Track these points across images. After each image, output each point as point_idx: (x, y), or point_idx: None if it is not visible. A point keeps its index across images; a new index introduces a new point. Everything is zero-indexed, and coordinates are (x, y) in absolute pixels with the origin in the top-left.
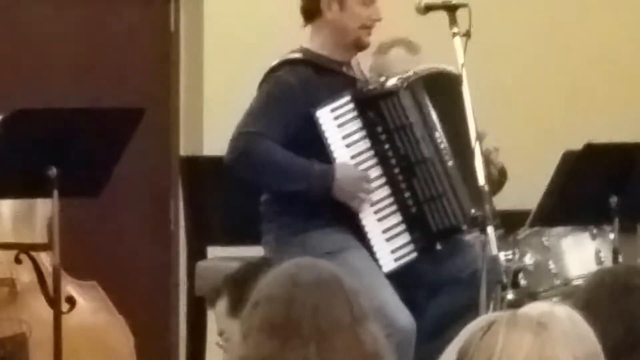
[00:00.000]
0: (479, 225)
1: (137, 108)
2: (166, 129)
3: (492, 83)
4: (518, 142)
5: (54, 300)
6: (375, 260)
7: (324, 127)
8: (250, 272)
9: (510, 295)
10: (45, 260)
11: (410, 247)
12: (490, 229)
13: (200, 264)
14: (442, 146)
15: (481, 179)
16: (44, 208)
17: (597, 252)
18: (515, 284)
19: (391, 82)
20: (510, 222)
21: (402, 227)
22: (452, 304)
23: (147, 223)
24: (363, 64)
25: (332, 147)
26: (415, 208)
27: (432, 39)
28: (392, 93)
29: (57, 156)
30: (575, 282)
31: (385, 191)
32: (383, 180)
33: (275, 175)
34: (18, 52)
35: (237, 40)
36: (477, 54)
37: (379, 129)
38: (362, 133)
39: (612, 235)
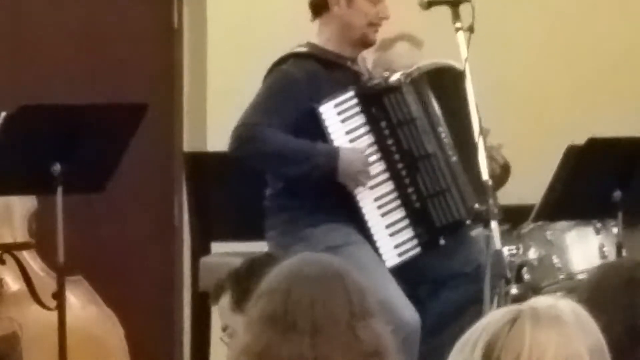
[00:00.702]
0: (483, 220)
1: (141, 104)
2: (170, 125)
3: (495, 78)
4: (521, 137)
5: (56, 297)
6: (379, 255)
7: (327, 122)
8: (253, 268)
9: (514, 290)
10: (29, 258)
11: (414, 242)
12: (494, 224)
13: (204, 260)
14: (445, 141)
15: (485, 174)
16: (22, 206)
17: (601, 247)
18: (519, 279)
19: (395, 77)
20: (514, 217)
21: (406, 222)
22: (456, 298)
23: (151, 219)
24: (368, 60)
25: (336, 143)
26: (419, 203)
27: (435, 34)
28: (396, 88)
29: (61, 152)
30: (579, 277)
31: (389, 186)
32: (387, 175)
33: (278, 158)
34: (20, 49)
35: (240, 37)
36: (481, 48)
37: (383, 124)
38: (366, 128)
39: (615, 230)
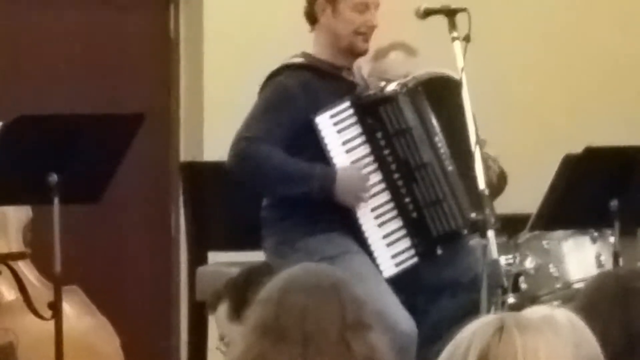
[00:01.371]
0: (480, 229)
1: (138, 114)
2: (166, 134)
3: (492, 87)
4: (518, 146)
5: (52, 307)
6: (376, 265)
7: (323, 133)
8: (251, 277)
9: (511, 299)
10: (24, 268)
11: (411, 252)
12: (490, 233)
13: (201, 270)
14: (441, 151)
15: (481, 184)
16: (17, 216)
17: (598, 256)
18: (516, 288)
19: (390, 87)
20: (510, 226)
21: (403, 232)
22: (453, 308)
23: (148, 228)
24: (363, 69)
25: (332, 153)
26: (416, 213)
27: (432, 44)
28: (392, 98)
29: (57, 162)
30: (576, 286)
31: (386, 196)
32: (383, 185)
33: (276, 179)
34: (17, 58)
35: (237, 46)
36: (477, 58)
37: (379, 134)
38: (362, 139)
39: (612, 239)
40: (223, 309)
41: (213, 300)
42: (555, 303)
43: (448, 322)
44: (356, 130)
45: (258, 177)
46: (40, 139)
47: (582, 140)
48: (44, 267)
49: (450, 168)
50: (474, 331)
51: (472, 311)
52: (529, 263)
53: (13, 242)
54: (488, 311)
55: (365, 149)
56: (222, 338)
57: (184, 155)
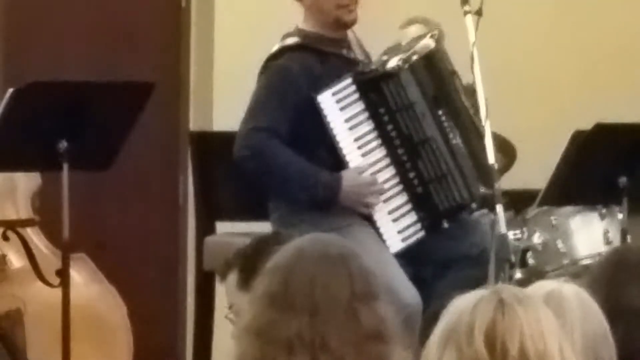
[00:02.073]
0: (487, 203)
1: (148, 82)
2: (176, 103)
3: (503, 62)
4: (528, 121)
5: (60, 274)
6: (383, 241)
7: (326, 111)
8: (261, 246)
9: (518, 274)
10: (33, 235)
11: (417, 226)
12: (499, 208)
13: (209, 239)
14: (445, 125)
15: (490, 157)
16: (26, 183)
17: (606, 232)
18: (523, 263)
19: (392, 63)
20: (519, 201)
21: (408, 207)
22: (461, 281)
23: (156, 198)
24: (366, 42)
25: (335, 131)
26: (421, 188)
27: (444, 18)
28: (394, 74)
29: (67, 129)
30: (583, 262)
31: (390, 172)
32: (387, 161)
33: (281, 182)
34: (28, 26)
35: (248, 15)
36: (489, 32)
37: (382, 110)
38: (365, 115)
39: (620, 216)
40: (233, 277)
41: (223, 269)
42: (563, 279)
43: (456, 295)
44: (359, 106)
45: (264, 176)
46: (50, 105)
47: (592, 116)
48: (52, 235)
49: (454, 142)
50: (473, 308)
51: (479, 285)
52: (537, 238)
53: (22, 209)
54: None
55: (368, 125)
56: (231, 307)
57: (193, 125)
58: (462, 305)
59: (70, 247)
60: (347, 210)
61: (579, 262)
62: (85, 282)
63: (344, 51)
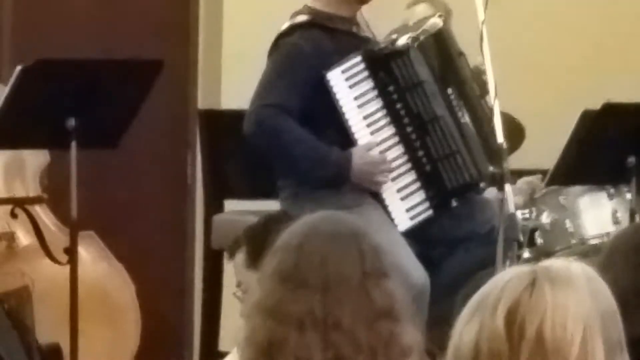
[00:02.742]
0: (495, 182)
1: (156, 60)
2: (184, 82)
3: (511, 41)
4: (537, 101)
5: (68, 252)
6: (391, 219)
7: (335, 89)
8: (269, 224)
9: (526, 254)
10: (41, 213)
11: (426, 205)
12: (508, 187)
13: (217, 218)
14: (454, 103)
15: (499, 136)
16: (34, 160)
17: (614, 212)
18: (531, 243)
19: (401, 41)
20: None
21: (417, 185)
22: (469, 260)
23: (164, 176)
24: (372, 22)
25: (345, 109)
26: (430, 166)
27: None
28: (403, 52)
29: (76, 107)
30: (592, 242)
31: (399, 150)
32: (396, 139)
33: (291, 159)
34: (37, 5)
35: None
36: (498, 11)
37: (391, 88)
38: (374, 93)
39: (629, 196)
40: (241, 256)
41: (232, 247)
42: (571, 258)
43: (464, 274)
44: (368, 84)
45: (275, 152)
46: (59, 83)
47: (601, 96)
48: (60, 212)
49: (463, 120)
50: (505, 283)
51: (487, 264)
52: (545, 218)
53: (30, 187)
54: (503, 265)
55: (377, 103)
56: (239, 285)
57: (202, 103)
58: (499, 278)
59: (78, 225)
60: (357, 189)
61: (587, 242)
62: (94, 259)
63: (354, 28)
